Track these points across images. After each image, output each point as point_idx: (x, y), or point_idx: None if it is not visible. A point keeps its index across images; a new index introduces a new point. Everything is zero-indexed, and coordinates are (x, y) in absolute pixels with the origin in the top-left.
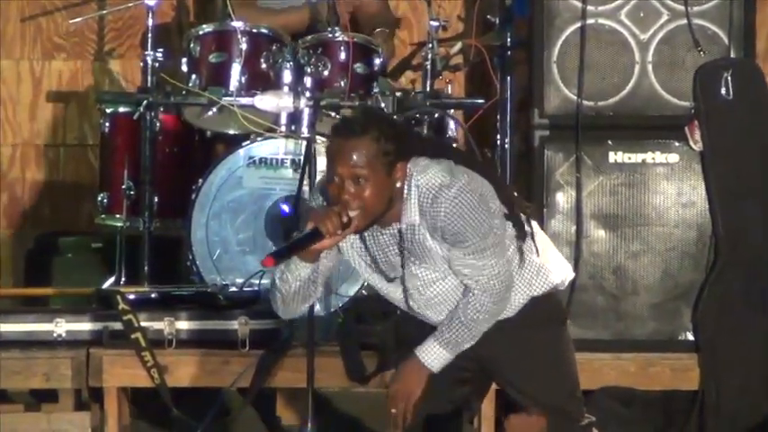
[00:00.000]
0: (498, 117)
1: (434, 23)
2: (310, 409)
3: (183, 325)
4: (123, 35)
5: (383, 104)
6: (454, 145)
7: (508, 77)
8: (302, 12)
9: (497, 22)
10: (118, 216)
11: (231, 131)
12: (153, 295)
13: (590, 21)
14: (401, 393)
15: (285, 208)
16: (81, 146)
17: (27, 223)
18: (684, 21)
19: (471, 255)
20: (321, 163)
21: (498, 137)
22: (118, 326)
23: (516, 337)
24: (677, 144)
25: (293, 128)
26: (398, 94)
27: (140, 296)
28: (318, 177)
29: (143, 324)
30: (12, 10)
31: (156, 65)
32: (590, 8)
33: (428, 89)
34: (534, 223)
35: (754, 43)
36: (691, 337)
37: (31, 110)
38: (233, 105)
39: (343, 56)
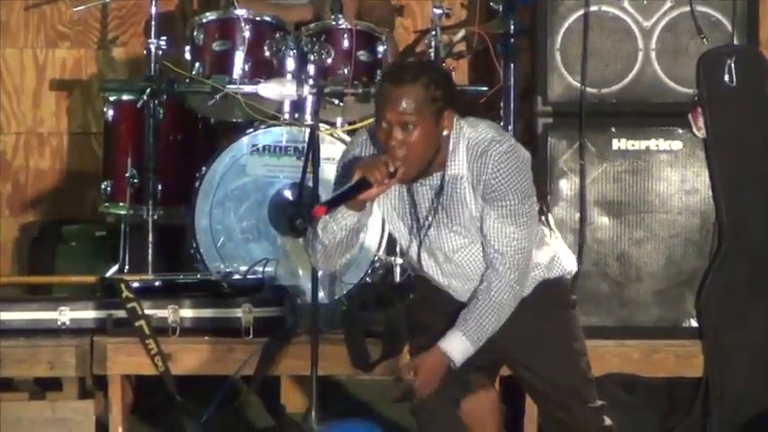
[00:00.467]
0: (502, 104)
1: (438, 11)
2: (314, 397)
3: (187, 313)
4: (127, 23)
5: None
6: None
7: (511, 65)
8: (306, 8)
9: (501, 9)
10: (122, 204)
11: (234, 119)
12: (157, 283)
13: (593, 8)
14: (425, 387)
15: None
16: (85, 134)
17: (31, 212)
18: (687, 8)
19: (506, 217)
20: (324, 150)
21: (502, 124)
22: (122, 314)
23: (529, 319)
24: (681, 131)
25: (297, 115)
26: None
27: (144, 284)
28: (322, 165)
29: (147, 312)
30: None
31: (160, 53)
32: None
33: None
34: (550, 215)
35: (757, 30)
36: (694, 323)
37: (35, 98)
38: (236, 93)
39: (346, 43)
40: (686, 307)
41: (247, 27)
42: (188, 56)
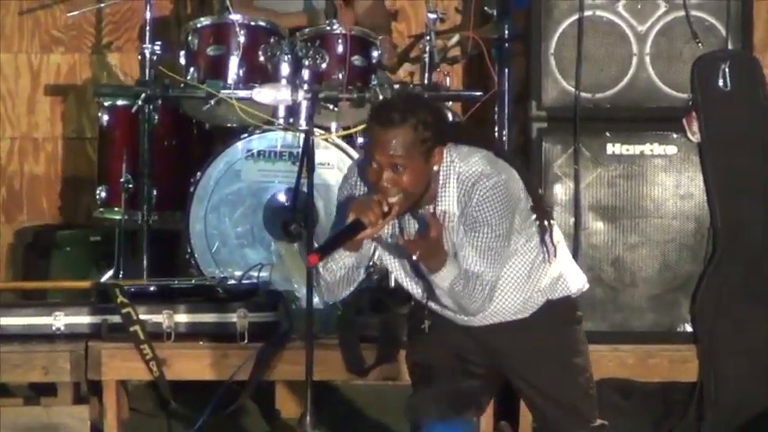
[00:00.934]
0: (496, 109)
1: (432, 16)
2: (309, 402)
3: (182, 318)
4: (121, 28)
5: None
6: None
7: (506, 69)
8: (300, 17)
9: (495, 14)
10: (116, 209)
11: (229, 124)
12: (151, 288)
13: (587, 12)
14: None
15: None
16: (79, 139)
17: (26, 217)
18: (682, 12)
19: (475, 248)
20: (319, 155)
21: (496, 129)
22: (117, 319)
23: (532, 335)
24: (675, 136)
25: (291, 120)
26: (396, 86)
27: (139, 289)
28: (317, 170)
29: (142, 317)
30: (10, 4)
31: (154, 58)
32: (588, 0)
33: (426, 81)
34: (556, 229)
35: (751, 35)
36: (689, 328)
37: (30, 103)
38: (231, 98)
39: (340, 48)
40: (681, 312)
41: (242, 32)
42: (183, 61)
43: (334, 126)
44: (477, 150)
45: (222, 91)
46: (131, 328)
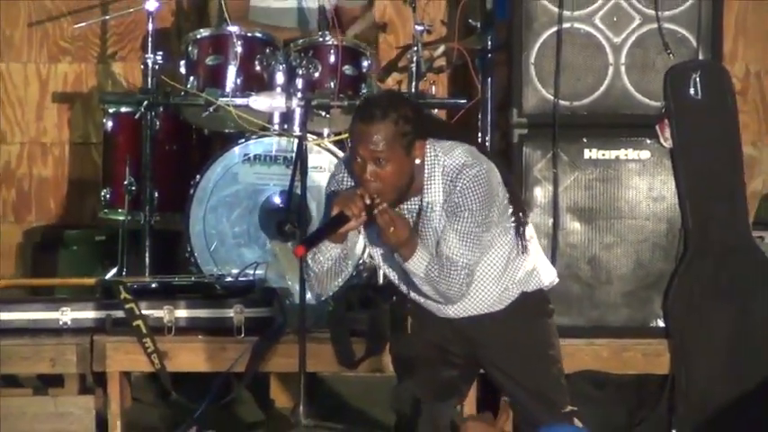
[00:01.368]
0: (480, 116)
1: (419, 27)
2: (302, 393)
3: (182, 313)
4: (125, 39)
5: None
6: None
7: (489, 79)
8: (292, 33)
9: (479, 26)
10: (120, 210)
11: (227, 130)
12: (153, 285)
13: (566, 25)
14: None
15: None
16: (85, 144)
17: (34, 217)
18: (655, 25)
19: (456, 232)
20: (312, 160)
21: (480, 135)
22: (120, 314)
23: (506, 326)
24: (648, 141)
25: (286, 126)
26: None
27: (141, 286)
28: (310, 173)
29: (144, 312)
30: (20, 15)
31: (156, 67)
32: (566, 13)
33: (413, 90)
34: (530, 226)
35: (721, 46)
36: (661, 323)
37: (38, 110)
38: (229, 105)
39: (332, 58)
40: (654, 308)
41: (239, 43)
42: (183, 70)
43: (326, 132)
44: (460, 144)
45: (220, 98)
46: (134, 323)
